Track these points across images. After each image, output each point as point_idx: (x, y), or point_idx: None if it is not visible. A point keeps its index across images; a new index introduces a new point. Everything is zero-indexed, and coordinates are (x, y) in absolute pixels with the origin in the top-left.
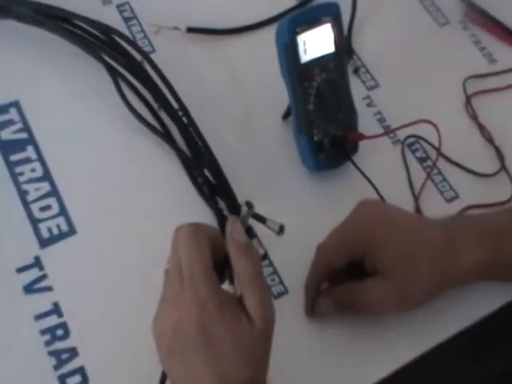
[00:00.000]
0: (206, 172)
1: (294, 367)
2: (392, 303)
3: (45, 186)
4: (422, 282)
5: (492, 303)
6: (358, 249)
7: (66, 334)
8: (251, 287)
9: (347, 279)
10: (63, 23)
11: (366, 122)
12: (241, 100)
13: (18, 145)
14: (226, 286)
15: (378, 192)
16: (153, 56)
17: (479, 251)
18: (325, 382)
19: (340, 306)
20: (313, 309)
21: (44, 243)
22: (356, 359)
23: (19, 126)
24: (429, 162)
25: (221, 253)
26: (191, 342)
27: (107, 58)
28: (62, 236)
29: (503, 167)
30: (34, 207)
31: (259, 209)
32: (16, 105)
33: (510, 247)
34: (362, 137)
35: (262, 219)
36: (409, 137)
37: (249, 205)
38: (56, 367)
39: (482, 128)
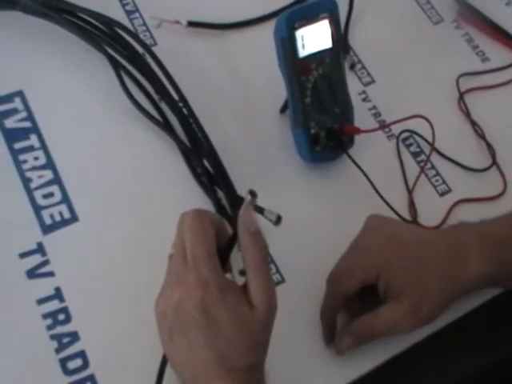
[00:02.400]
0: (205, 162)
1: (289, 356)
2: (409, 324)
3: (48, 174)
4: (435, 298)
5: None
6: (371, 274)
7: (68, 319)
8: (257, 273)
9: (360, 303)
10: (67, 15)
11: (361, 117)
12: (240, 93)
13: (22, 133)
14: (226, 275)
15: (372, 185)
16: (154, 49)
17: (485, 262)
18: (320, 368)
19: (360, 341)
20: (332, 338)
21: (47, 230)
22: None
23: (23, 114)
24: (422, 157)
25: (224, 240)
26: (192, 322)
27: (110, 50)
28: (65, 223)
29: (494, 163)
30: (37, 194)
31: (257, 199)
32: (20, 94)
33: None
34: (358, 130)
35: (259, 209)
36: (403, 132)
37: (252, 193)
38: (57, 351)
39: (474, 124)
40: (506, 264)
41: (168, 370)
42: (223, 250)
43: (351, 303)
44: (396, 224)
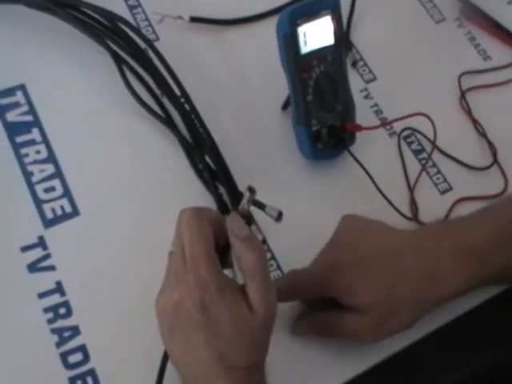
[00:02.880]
0: (207, 158)
1: (290, 352)
2: (370, 337)
3: (49, 168)
4: (401, 316)
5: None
6: (327, 292)
7: (69, 313)
8: (254, 278)
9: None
10: (70, 10)
11: (363, 114)
12: (242, 89)
13: (24, 127)
14: (227, 271)
15: (374, 183)
16: (156, 44)
17: (460, 278)
18: (320, 366)
19: (317, 333)
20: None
21: (48, 224)
22: (350, 345)
23: (25, 108)
24: (424, 155)
25: (223, 237)
26: (192, 321)
27: (112, 45)
28: (66, 217)
29: (495, 161)
30: (39, 188)
31: (258, 196)
32: (22, 88)
33: (494, 267)
34: (360, 128)
35: (261, 205)
36: (405, 129)
37: (251, 190)
38: (58, 345)
39: (475, 122)
40: (485, 275)
41: (169, 365)
42: (222, 247)
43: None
44: (368, 234)
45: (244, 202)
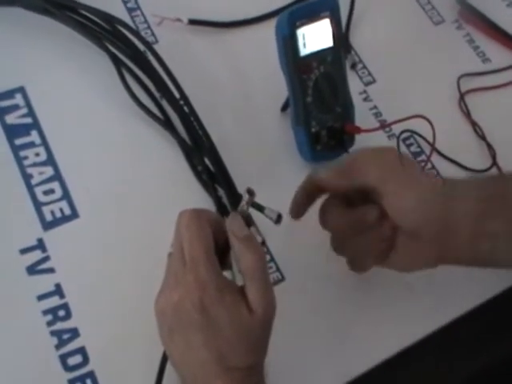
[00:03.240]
0: (206, 160)
1: (289, 353)
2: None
3: (48, 170)
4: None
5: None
6: (368, 181)
7: (68, 315)
8: (253, 279)
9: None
10: (69, 12)
11: (362, 116)
12: (241, 91)
13: (23, 129)
14: (226, 273)
15: None
16: (155, 46)
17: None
18: (320, 367)
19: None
20: (298, 214)
21: (47, 226)
22: (350, 345)
23: (24, 111)
24: (423, 157)
25: (222, 238)
26: (191, 322)
27: (111, 48)
28: (65, 219)
29: (494, 163)
30: (38, 191)
31: (257, 198)
32: (21, 90)
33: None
34: (359, 130)
35: (260, 208)
36: (404, 131)
37: (250, 192)
38: (57, 347)
39: (474, 125)
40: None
41: (168, 367)
42: (222, 248)
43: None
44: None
45: (243, 203)
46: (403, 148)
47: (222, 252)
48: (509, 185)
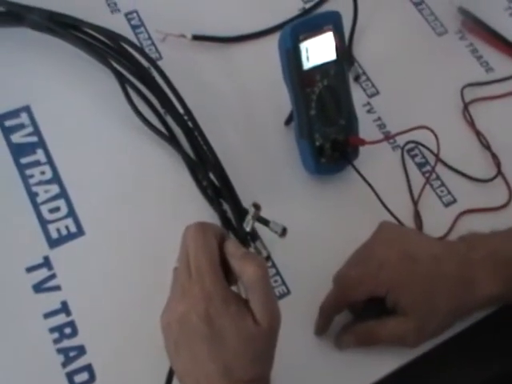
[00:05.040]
0: (211, 175)
1: (295, 367)
2: (413, 340)
3: (54, 189)
4: (441, 318)
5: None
6: (380, 289)
7: (74, 333)
8: (256, 294)
9: (364, 306)
10: (74, 31)
11: (366, 128)
12: (245, 105)
13: (29, 148)
14: (233, 288)
15: (378, 196)
16: (159, 63)
17: (494, 285)
18: (327, 382)
19: (361, 343)
20: (323, 332)
21: (53, 244)
22: (357, 359)
23: (29, 129)
24: (427, 168)
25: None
26: (197, 334)
27: (115, 65)
28: (71, 237)
29: (499, 173)
30: (44, 209)
31: (262, 211)
32: (27, 109)
33: None
34: (363, 142)
35: (265, 221)
36: (408, 142)
37: (256, 206)
38: (64, 364)
39: (479, 134)
40: None
41: (175, 382)
42: (227, 262)
43: (356, 305)
44: (410, 237)
45: (249, 218)
46: (408, 159)
47: (227, 266)
48: None
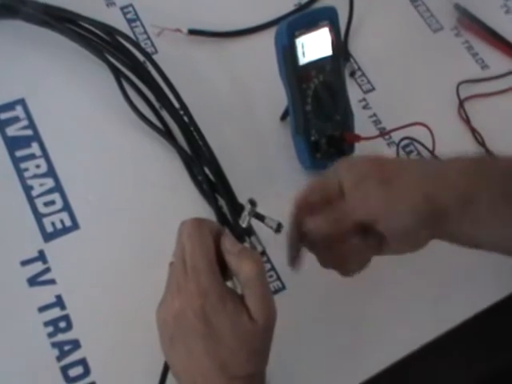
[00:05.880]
0: (206, 170)
1: (291, 362)
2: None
3: (49, 182)
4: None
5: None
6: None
7: (69, 326)
8: (250, 287)
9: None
10: (69, 24)
11: (361, 124)
12: (241, 100)
13: (24, 141)
14: (228, 283)
15: None
16: (155, 57)
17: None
18: (322, 376)
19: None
20: (295, 262)
21: (48, 237)
22: (352, 354)
23: (25, 123)
24: None
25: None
26: (193, 330)
27: (111, 58)
28: (66, 231)
29: None
30: (39, 202)
31: (257, 207)
32: (22, 102)
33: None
34: (359, 138)
35: (260, 217)
36: (403, 139)
37: (252, 203)
38: (59, 358)
39: (474, 131)
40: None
41: (170, 377)
42: (223, 258)
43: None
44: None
45: (245, 214)
46: (403, 155)
47: (223, 262)
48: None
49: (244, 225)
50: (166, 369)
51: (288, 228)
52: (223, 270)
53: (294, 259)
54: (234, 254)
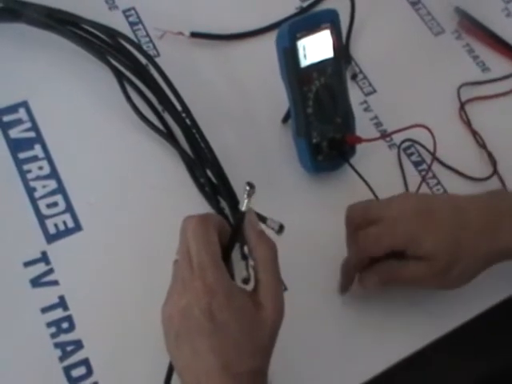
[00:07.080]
0: (208, 172)
1: (293, 363)
2: (434, 284)
3: (52, 184)
4: (464, 264)
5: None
6: (398, 243)
7: (72, 327)
8: (267, 272)
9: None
10: (71, 27)
11: (363, 126)
12: (242, 103)
13: (27, 143)
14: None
15: (374, 194)
16: (157, 60)
17: None
18: (324, 377)
19: (384, 282)
20: (346, 290)
21: (50, 239)
22: (354, 355)
23: (28, 125)
24: (424, 166)
25: (225, 241)
26: (199, 327)
27: (113, 61)
28: (68, 232)
29: (495, 172)
30: (42, 204)
31: (259, 209)
32: (25, 105)
33: None
34: (360, 140)
35: (262, 218)
36: (404, 141)
37: (250, 185)
38: (61, 359)
39: (475, 134)
40: None
41: (174, 379)
42: (225, 251)
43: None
44: (427, 195)
45: (244, 197)
46: (404, 157)
47: (225, 254)
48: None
49: (243, 208)
50: (170, 369)
51: (347, 257)
52: (227, 264)
53: (347, 287)
54: (256, 231)
